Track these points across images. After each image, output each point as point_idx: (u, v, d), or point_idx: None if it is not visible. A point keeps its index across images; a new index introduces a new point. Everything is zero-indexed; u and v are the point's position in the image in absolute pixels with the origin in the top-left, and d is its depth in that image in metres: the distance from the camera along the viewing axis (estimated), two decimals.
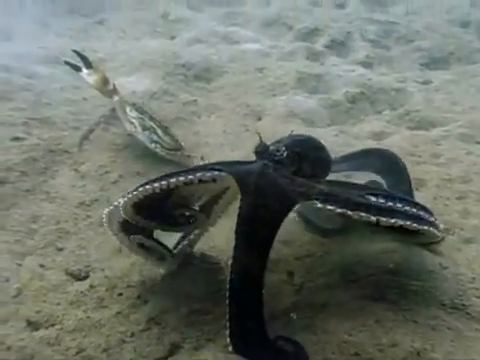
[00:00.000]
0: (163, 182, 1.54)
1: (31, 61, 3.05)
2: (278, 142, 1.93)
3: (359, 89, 3.20)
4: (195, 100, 3.01)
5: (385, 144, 2.73)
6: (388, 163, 2.19)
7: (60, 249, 1.92)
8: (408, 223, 1.49)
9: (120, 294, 1.73)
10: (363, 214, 1.47)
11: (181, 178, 1.54)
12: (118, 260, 1.90)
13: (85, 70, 2.48)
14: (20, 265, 1.81)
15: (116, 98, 2.53)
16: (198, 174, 1.56)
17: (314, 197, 1.55)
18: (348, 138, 2.76)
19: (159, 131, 2.55)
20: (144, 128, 2.51)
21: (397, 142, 2.73)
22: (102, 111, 2.68)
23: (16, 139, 2.37)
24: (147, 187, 1.55)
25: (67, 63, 2.51)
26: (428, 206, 1.73)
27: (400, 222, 1.49)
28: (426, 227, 1.55)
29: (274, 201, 1.56)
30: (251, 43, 3.68)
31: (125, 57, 3.35)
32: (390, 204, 1.58)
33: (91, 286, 1.76)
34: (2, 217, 2.00)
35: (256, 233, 1.51)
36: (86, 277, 1.82)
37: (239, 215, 1.51)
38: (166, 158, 2.44)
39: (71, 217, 2.07)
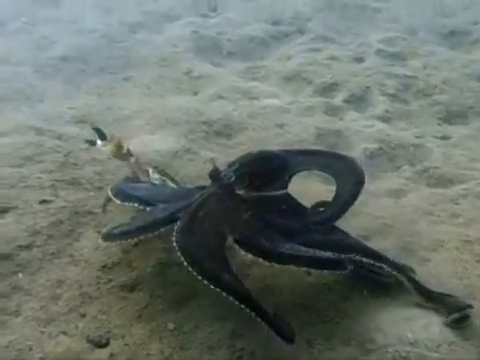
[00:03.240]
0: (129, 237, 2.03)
1: (61, 122, 3.20)
2: (231, 165, 2.11)
3: (377, 145, 3.24)
4: (216, 157, 3.08)
5: (402, 202, 2.74)
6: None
7: (82, 315, 1.97)
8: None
9: None
10: (261, 260, 1.78)
11: (142, 235, 1.99)
12: (138, 326, 1.94)
13: (99, 142, 2.60)
14: (43, 332, 1.86)
15: (132, 160, 2.63)
16: (156, 232, 1.98)
17: (233, 237, 1.85)
18: (366, 196, 2.77)
19: None
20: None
21: (415, 201, 2.75)
22: (125, 171, 2.78)
23: (43, 202, 2.46)
24: (117, 242, 2.10)
25: (87, 141, 2.63)
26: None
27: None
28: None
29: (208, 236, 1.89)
30: (271, 98, 3.77)
31: (150, 115, 3.46)
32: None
33: (111, 354, 1.80)
34: (29, 282, 2.07)
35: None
36: (107, 344, 1.86)
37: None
38: None
39: (94, 281, 2.12)
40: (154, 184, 2.53)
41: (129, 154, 2.64)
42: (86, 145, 2.68)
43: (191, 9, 5.48)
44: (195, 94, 3.91)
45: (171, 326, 1.93)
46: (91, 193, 2.64)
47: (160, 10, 5.40)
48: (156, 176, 2.64)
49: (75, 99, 3.61)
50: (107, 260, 2.23)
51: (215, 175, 2.11)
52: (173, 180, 2.65)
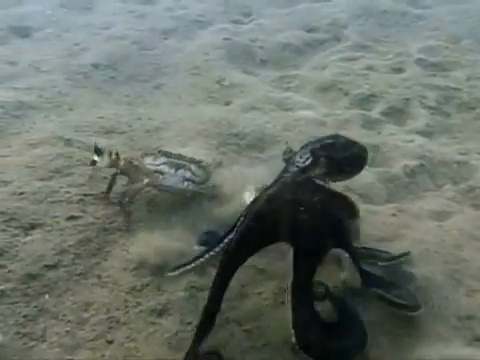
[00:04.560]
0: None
1: (90, 133, 3.14)
2: (305, 147, 1.96)
3: (418, 161, 3.08)
4: (248, 172, 2.96)
5: (447, 225, 2.58)
6: None
7: (109, 342, 1.89)
8: None
9: None
10: None
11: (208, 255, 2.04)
12: (167, 354, 1.85)
13: (96, 158, 2.51)
14: None
15: (121, 163, 2.53)
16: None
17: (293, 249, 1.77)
18: (407, 218, 2.63)
19: (192, 167, 2.63)
20: (177, 167, 2.59)
21: (460, 223, 2.58)
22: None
23: (71, 218, 2.40)
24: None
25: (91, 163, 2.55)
26: None
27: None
28: None
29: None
30: (306, 110, 3.63)
31: (180, 126, 3.37)
32: None
33: None
34: (55, 305, 1.99)
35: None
36: None
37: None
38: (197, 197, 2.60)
39: (122, 304, 2.04)
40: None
41: (118, 159, 2.52)
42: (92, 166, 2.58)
43: (223, 15, 5.38)
44: (227, 104, 3.80)
45: None
46: (120, 208, 2.56)
47: (191, 16, 5.32)
48: (161, 161, 2.58)
49: (105, 108, 3.55)
50: (136, 282, 2.14)
51: (289, 157, 2.00)
52: (181, 157, 2.62)
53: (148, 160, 2.60)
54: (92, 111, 3.45)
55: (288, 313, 1.74)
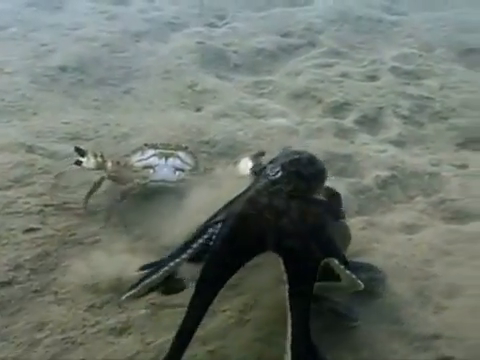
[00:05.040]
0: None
1: (53, 139, 3.03)
2: (274, 161, 1.89)
3: (390, 172, 3.05)
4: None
5: (417, 239, 2.55)
6: None
7: None
8: None
9: None
10: None
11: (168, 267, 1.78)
12: None
13: (81, 159, 2.53)
14: None
15: (109, 164, 2.55)
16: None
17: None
18: (378, 231, 2.59)
19: (180, 153, 2.64)
20: (167, 157, 2.59)
21: (429, 237, 2.56)
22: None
23: (30, 231, 2.30)
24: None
25: (76, 163, 2.56)
26: None
27: None
28: None
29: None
30: (278, 118, 3.58)
31: (150, 132, 3.28)
32: None
33: None
34: (7, 325, 1.89)
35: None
36: None
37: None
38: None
39: (79, 323, 1.94)
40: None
41: (104, 161, 2.57)
42: (77, 167, 2.56)
43: (197, 18, 5.30)
44: (198, 110, 3.73)
45: None
46: (82, 220, 2.46)
47: (165, 18, 5.22)
48: (150, 153, 2.58)
49: (71, 113, 3.44)
50: (95, 299, 2.04)
51: (259, 170, 1.94)
52: (167, 146, 2.61)
53: (136, 157, 2.62)
54: (57, 116, 3.34)
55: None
